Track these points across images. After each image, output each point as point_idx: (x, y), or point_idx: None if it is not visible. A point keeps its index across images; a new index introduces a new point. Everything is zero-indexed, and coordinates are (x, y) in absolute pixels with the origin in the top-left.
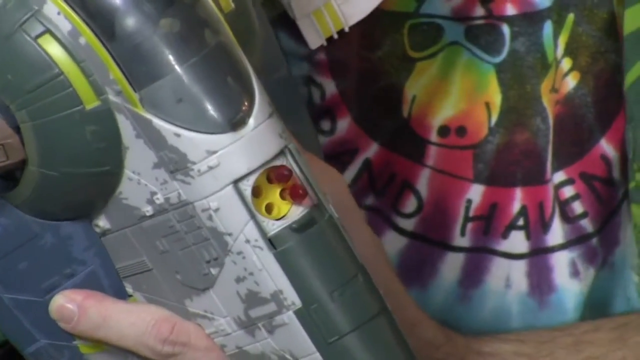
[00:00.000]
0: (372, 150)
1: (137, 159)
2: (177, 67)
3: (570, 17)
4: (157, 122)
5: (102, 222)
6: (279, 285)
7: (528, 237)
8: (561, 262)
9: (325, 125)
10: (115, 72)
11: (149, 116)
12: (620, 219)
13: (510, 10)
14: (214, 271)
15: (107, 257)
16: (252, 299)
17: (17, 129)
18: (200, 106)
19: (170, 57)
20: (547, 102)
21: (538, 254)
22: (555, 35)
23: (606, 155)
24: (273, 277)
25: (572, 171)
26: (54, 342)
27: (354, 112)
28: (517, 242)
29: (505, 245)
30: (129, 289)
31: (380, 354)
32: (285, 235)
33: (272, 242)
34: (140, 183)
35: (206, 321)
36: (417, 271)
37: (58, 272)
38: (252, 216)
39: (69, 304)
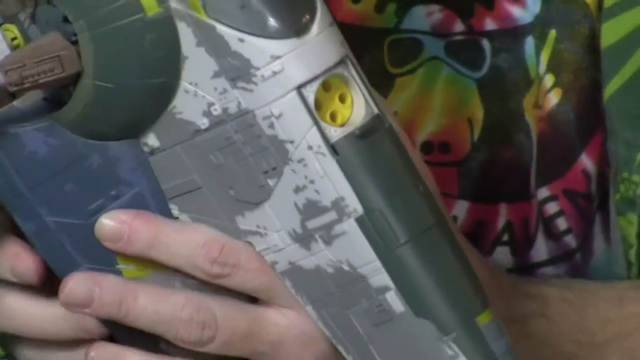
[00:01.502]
0: None
1: (196, 69)
2: None
3: (552, 33)
4: (221, 28)
5: (152, 140)
6: (341, 192)
7: (514, 252)
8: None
9: None
10: None
11: (212, 22)
12: (594, 230)
13: (490, 25)
14: (271, 182)
15: (153, 178)
16: (311, 209)
17: (73, 43)
18: (265, 11)
19: None
20: (531, 118)
21: (523, 270)
22: (538, 51)
23: (587, 170)
24: (335, 184)
25: (555, 188)
26: (97, 266)
27: None
28: (502, 258)
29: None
30: (175, 211)
31: (440, 263)
32: (348, 141)
33: (334, 149)
34: (197, 95)
35: (258, 237)
36: None
37: (104, 194)
38: (315, 122)
39: (117, 223)
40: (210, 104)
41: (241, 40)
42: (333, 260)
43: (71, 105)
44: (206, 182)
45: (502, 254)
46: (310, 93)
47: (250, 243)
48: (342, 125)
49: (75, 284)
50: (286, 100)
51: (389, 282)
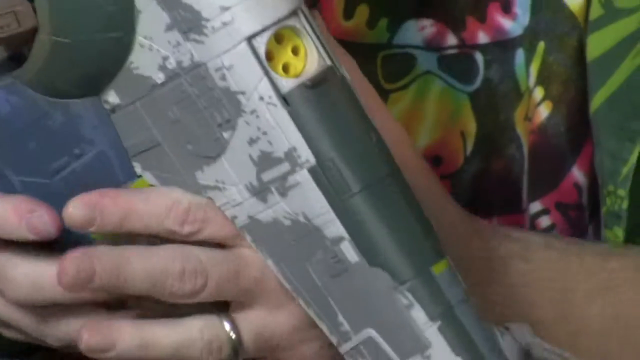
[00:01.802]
0: None
1: (150, 22)
2: None
3: (541, 45)
4: None
5: (112, 98)
6: (293, 143)
7: None
8: None
9: None
10: None
11: None
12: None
13: (483, 38)
14: (226, 135)
15: (116, 136)
16: (265, 161)
17: None
18: None
19: None
20: (522, 130)
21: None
22: (528, 63)
23: (578, 183)
24: (287, 135)
25: (547, 201)
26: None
27: None
28: None
29: None
30: (138, 169)
31: (393, 213)
32: (299, 92)
33: (285, 100)
34: (152, 48)
35: (217, 192)
36: None
37: (67, 152)
38: (266, 73)
39: (84, 209)
40: (165, 58)
41: None
42: (289, 212)
43: (30, 63)
44: (165, 138)
45: None
46: (261, 44)
47: (210, 198)
48: (295, 76)
49: (71, 263)
50: (237, 51)
51: (343, 232)
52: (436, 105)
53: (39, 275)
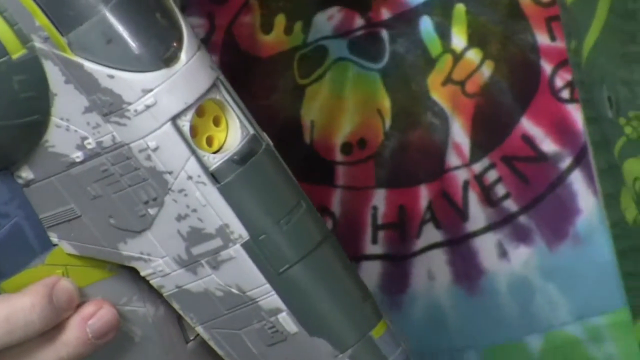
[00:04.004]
0: None
1: (66, 105)
2: (102, 8)
3: (460, 8)
4: (89, 65)
5: (25, 173)
6: (225, 220)
7: (437, 226)
8: (486, 246)
9: None
10: (41, 19)
11: (79, 60)
12: (572, 188)
13: (386, 14)
14: (152, 211)
15: (30, 208)
16: (195, 236)
17: None
18: (131, 45)
19: None
20: (440, 96)
21: (457, 243)
22: (441, 28)
23: (527, 134)
24: (218, 212)
25: (494, 156)
26: None
27: None
28: (429, 234)
29: (419, 243)
30: (54, 239)
31: (331, 280)
32: (228, 167)
33: (214, 176)
34: (70, 129)
35: (142, 263)
36: None
37: None
38: (193, 151)
39: None
40: (84, 138)
41: (111, 76)
42: (221, 284)
43: None
44: (85, 211)
45: (429, 232)
46: (185, 122)
47: (135, 268)
48: (220, 149)
49: None
50: (161, 132)
51: (281, 305)
52: (353, 90)
53: None
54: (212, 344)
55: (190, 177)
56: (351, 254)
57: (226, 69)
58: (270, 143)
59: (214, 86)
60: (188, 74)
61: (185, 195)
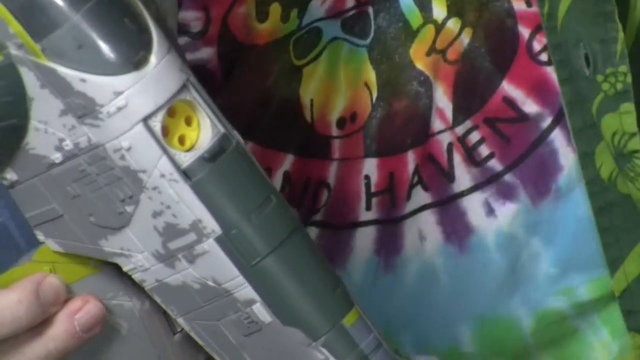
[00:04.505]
0: (288, 162)
1: (43, 109)
2: (73, 14)
3: None
4: (62, 70)
5: (10, 175)
6: (197, 215)
7: (426, 189)
8: (473, 205)
9: None
10: (14, 26)
11: (52, 65)
12: (553, 146)
13: None
14: (129, 209)
15: (16, 208)
16: (171, 232)
17: None
18: (101, 50)
19: (65, 5)
20: (424, 65)
21: (445, 203)
22: (420, 0)
23: (508, 97)
24: (191, 208)
25: (476, 119)
26: None
27: (256, 139)
28: (418, 197)
29: (409, 206)
30: (41, 237)
31: (301, 271)
32: (199, 165)
33: (186, 174)
34: (48, 132)
35: (123, 259)
36: (332, 255)
37: None
38: (164, 150)
39: None
40: (61, 140)
41: (83, 80)
42: (197, 277)
43: None
44: (66, 210)
45: (418, 194)
46: (156, 123)
47: (117, 263)
48: (191, 147)
49: None
50: (133, 133)
51: (254, 295)
52: (345, 67)
53: None
54: (193, 334)
55: (163, 175)
56: (347, 222)
57: (223, 60)
58: (241, 141)
59: (184, 87)
60: (158, 76)
61: (159, 192)
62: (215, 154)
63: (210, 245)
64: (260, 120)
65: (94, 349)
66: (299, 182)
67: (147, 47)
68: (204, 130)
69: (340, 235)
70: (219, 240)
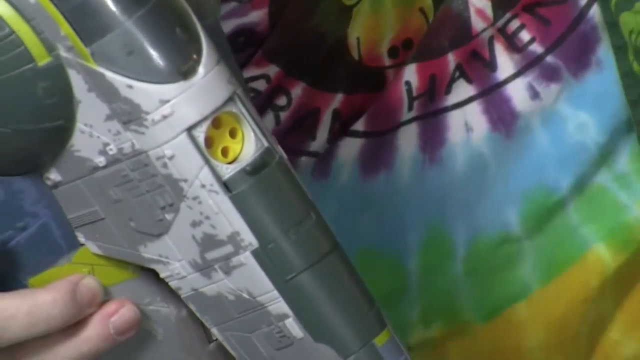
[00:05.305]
0: (337, 100)
1: (89, 112)
2: (125, 20)
3: None
4: (110, 75)
5: (54, 175)
6: (236, 227)
7: (469, 81)
8: (517, 90)
9: (281, 101)
10: (65, 28)
11: (101, 70)
12: (593, 22)
13: None
14: (168, 217)
15: (58, 209)
16: (208, 242)
17: None
18: (151, 57)
19: (118, 11)
20: None
21: (489, 93)
22: None
23: None
24: (229, 220)
25: (516, 9)
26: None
27: (306, 79)
28: (461, 90)
29: (450, 99)
30: (81, 239)
31: (336, 289)
32: (240, 178)
33: (227, 186)
34: (93, 135)
35: (161, 265)
36: (378, 159)
37: (12, 225)
38: (207, 161)
39: None
40: (106, 144)
41: (130, 86)
42: (233, 288)
43: None
44: (108, 214)
45: (460, 87)
46: (200, 133)
47: (154, 270)
48: (234, 160)
49: None
50: (177, 142)
51: (287, 310)
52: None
53: None
54: (226, 345)
55: (203, 186)
56: (390, 127)
57: (275, 19)
58: (284, 156)
59: (230, 99)
60: (205, 87)
61: (199, 202)
62: (257, 168)
63: (246, 258)
64: (308, 61)
65: (129, 353)
66: (351, 116)
67: (196, 57)
68: (248, 143)
69: (384, 137)
70: (255, 253)
